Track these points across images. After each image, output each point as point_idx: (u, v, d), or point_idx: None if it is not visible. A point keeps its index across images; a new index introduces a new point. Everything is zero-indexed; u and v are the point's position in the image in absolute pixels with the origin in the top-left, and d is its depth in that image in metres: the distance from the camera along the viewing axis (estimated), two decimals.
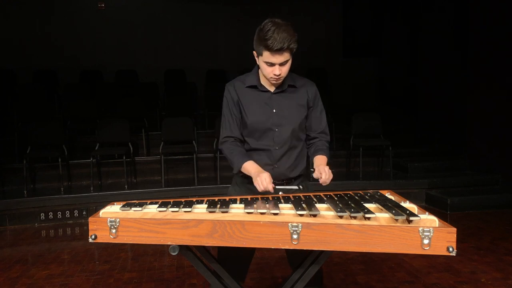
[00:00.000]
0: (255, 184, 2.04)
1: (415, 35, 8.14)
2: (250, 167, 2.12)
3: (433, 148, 7.20)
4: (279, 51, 1.97)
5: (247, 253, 2.25)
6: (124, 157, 5.92)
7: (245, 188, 2.24)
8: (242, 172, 2.16)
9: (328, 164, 2.18)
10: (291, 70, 2.18)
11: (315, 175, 2.10)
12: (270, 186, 2.02)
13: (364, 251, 1.62)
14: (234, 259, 2.16)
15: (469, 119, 6.59)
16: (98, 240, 1.73)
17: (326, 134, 2.33)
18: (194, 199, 2.00)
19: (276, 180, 2.14)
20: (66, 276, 3.67)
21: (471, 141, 6.58)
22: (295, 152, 2.24)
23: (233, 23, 9.11)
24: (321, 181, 2.06)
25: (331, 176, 2.08)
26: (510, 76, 5.77)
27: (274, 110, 2.18)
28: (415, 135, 7.60)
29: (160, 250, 4.20)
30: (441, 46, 7.34)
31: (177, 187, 5.84)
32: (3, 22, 8.31)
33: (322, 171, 2.06)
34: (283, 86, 2.19)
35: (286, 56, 2.02)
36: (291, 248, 1.63)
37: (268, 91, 2.20)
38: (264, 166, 2.16)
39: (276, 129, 2.18)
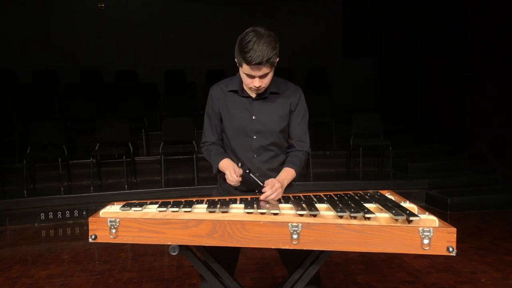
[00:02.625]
0: (228, 182, 2.07)
1: (415, 35, 8.14)
2: (222, 165, 2.12)
3: (433, 148, 7.19)
4: (258, 65, 1.92)
5: (233, 253, 2.20)
6: (124, 157, 5.92)
7: (226, 193, 2.22)
8: (220, 173, 2.17)
9: (298, 176, 2.14)
10: (278, 74, 2.15)
11: (265, 184, 1.99)
12: (236, 179, 2.01)
13: (364, 251, 1.62)
14: (220, 260, 2.13)
15: (469, 119, 6.59)
16: (98, 240, 1.73)
17: (303, 142, 2.21)
18: (194, 199, 2.00)
19: (260, 187, 2.07)
20: (66, 276, 3.67)
21: (471, 141, 6.58)
22: (277, 160, 2.19)
23: (233, 23, 9.10)
24: (262, 196, 1.94)
25: (276, 195, 1.94)
26: (510, 76, 5.77)
27: (253, 117, 2.13)
28: (415, 135, 7.59)
29: (160, 250, 4.20)
30: (441, 46, 7.34)
31: (177, 187, 5.84)
32: (3, 22, 8.31)
33: (270, 186, 1.95)
34: (265, 93, 2.13)
35: (265, 70, 1.96)
36: (291, 248, 1.63)
37: (250, 96, 2.15)
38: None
39: (254, 137, 2.14)
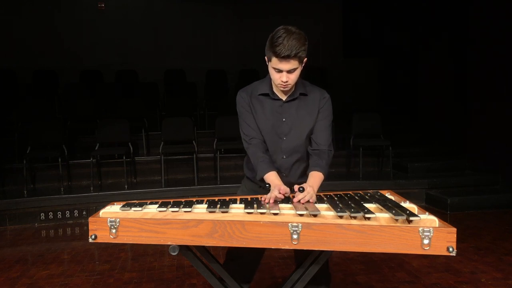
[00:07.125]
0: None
1: (415, 35, 8.14)
2: (270, 179, 2.06)
3: (433, 148, 7.19)
4: (286, 58, 1.95)
5: (256, 254, 2.24)
6: (124, 157, 5.92)
7: (252, 192, 2.23)
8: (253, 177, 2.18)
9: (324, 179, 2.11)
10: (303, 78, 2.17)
11: (295, 188, 1.96)
12: (279, 198, 1.95)
13: (364, 251, 1.62)
14: (243, 260, 2.17)
15: (469, 119, 6.58)
16: (98, 240, 1.73)
17: (323, 138, 2.19)
18: (194, 199, 2.00)
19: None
20: (66, 276, 3.67)
21: (471, 141, 6.58)
22: (306, 162, 2.22)
23: (233, 23, 9.11)
24: (295, 199, 1.90)
25: (311, 199, 1.91)
26: (510, 76, 5.77)
27: (283, 119, 2.16)
28: (415, 135, 7.59)
29: (160, 250, 4.20)
30: (441, 46, 7.33)
31: (177, 187, 5.83)
32: (3, 22, 8.31)
33: (306, 192, 1.91)
34: (294, 94, 2.16)
35: (293, 64, 1.98)
36: (291, 248, 1.63)
37: (280, 99, 2.17)
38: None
39: (284, 138, 2.17)
